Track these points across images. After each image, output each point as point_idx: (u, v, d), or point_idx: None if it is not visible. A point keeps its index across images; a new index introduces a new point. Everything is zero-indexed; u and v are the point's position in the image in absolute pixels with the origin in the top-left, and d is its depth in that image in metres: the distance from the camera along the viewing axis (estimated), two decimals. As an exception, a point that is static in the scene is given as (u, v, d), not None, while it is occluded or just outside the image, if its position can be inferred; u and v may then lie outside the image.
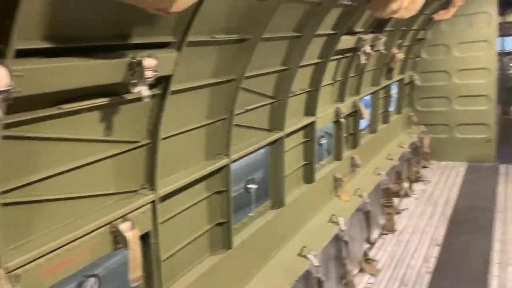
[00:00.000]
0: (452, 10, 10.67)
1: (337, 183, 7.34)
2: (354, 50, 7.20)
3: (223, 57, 4.06)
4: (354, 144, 8.36)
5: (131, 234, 3.28)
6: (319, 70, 6.21)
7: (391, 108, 11.22)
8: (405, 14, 6.31)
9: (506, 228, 7.95)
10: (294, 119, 6.03)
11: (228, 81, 4.26)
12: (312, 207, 6.51)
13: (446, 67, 12.08)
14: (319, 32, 5.46)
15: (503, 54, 16.60)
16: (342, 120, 7.34)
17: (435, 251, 7.38)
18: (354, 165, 8.13)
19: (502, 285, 6.25)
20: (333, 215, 6.47)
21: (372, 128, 9.64)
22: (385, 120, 10.44)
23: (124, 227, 3.27)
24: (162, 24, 3.14)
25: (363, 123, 9.84)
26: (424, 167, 11.96)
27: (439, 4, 10.57)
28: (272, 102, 5.46)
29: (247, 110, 4.86)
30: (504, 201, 9.26)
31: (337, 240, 6.40)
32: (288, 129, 5.66)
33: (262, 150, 5.65)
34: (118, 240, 3.26)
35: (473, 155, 11.98)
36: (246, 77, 4.49)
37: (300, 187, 6.36)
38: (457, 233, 8.00)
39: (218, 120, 4.33)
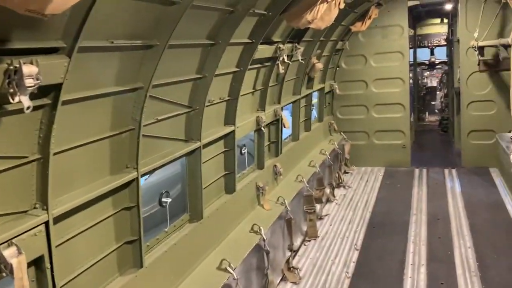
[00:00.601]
0: (367, 22, 11.22)
1: (259, 192, 7.30)
2: (273, 59, 7.25)
3: (127, 64, 3.82)
4: (277, 152, 8.40)
5: (17, 260, 2.92)
6: (237, 78, 6.14)
7: (313, 117, 11.51)
8: (320, 25, 6.47)
9: (419, 230, 8.38)
10: (213, 129, 5.90)
11: (134, 89, 4.01)
12: (233, 218, 6.39)
13: (363, 77, 12.65)
14: (234, 40, 5.38)
15: (416, 65, 17.86)
16: (263, 129, 7.33)
17: (355, 256, 7.58)
18: (276, 173, 8.16)
19: (415, 286, 6.54)
20: (255, 224, 6.41)
21: (294, 136, 9.78)
22: (307, 128, 10.65)
23: (8, 253, 2.91)
24: (49, 28, 2.85)
25: (287, 132, 10.00)
26: (345, 172, 12.39)
27: (355, 16, 11.06)
28: (188, 112, 5.27)
29: (159, 120, 4.63)
30: (418, 203, 9.80)
31: (259, 250, 6.33)
32: (205, 139, 5.50)
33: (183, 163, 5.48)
34: (1, 268, 2.89)
35: (390, 160, 12.62)
36: (156, 85, 4.27)
37: (221, 198, 6.22)
38: (375, 236, 8.30)
39: (125, 131, 4.06)
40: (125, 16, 3.52)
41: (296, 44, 7.73)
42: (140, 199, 4.23)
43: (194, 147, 5.33)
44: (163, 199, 5.17)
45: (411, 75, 14.76)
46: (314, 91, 10.87)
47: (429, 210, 9.35)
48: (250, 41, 6.00)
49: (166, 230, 5.04)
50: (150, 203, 5.39)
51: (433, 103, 18.72)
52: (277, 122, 8.31)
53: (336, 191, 10.96)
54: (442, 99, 17.65)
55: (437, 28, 17.55)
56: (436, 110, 18.48)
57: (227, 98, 6.12)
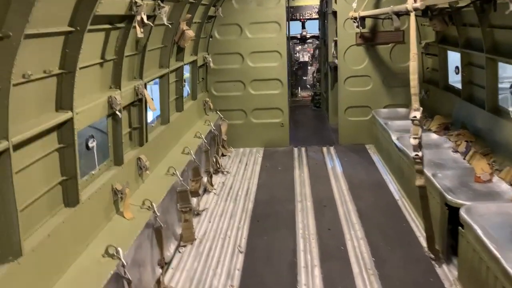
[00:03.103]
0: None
1: (117, 196, 5.56)
2: (129, 18, 5.44)
3: None
4: (141, 141, 6.69)
5: None
6: (72, 43, 4.24)
7: (185, 94, 9.93)
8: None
9: (306, 220, 7.55)
10: (34, 119, 3.97)
11: None
12: (76, 240, 4.59)
13: (239, 49, 11.41)
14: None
15: (288, 39, 17.25)
16: (119, 113, 5.53)
17: (239, 261, 6.40)
18: (141, 168, 6.47)
19: (310, 292, 5.61)
20: (110, 246, 4.71)
21: (163, 118, 8.11)
22: (179, 108, 9.05)
23: None
24: None
25: (155, 114, 8.29)
26: (223, 155, 11.17)
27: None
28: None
29: None
30: (301, 188, 9.03)
31: (117, 279, 4.67)
32: (17, 136, 3.58)
33: None
34: None
35: (269, 140, 11.76)
36: None
37: (55, 216, 4.37)
38: (261, 232, 7.23)
39: None
40: None
41: (160, 1, 6.00)
42: None
43: (-1, 149, 3.40)
44: None
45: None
46: (185, 64, 9.25)
47: (313, 195, 8.62)
48: (89, -12, 4.15)
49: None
50: None
51: (304, 78, 18.51)
52: (139, 102, 6.55)
53: (214, 178, 9.67)
54: (314, 74, 17.46)
55: (309, 0, 17.11)
56: (308, 86, 18.32)
57: (57, 72, 4.20)
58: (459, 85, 9.12)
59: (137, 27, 5.20)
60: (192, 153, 8.08)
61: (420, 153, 5.46)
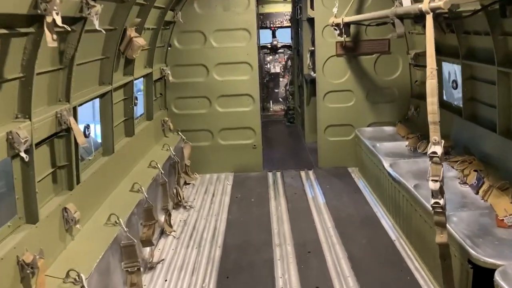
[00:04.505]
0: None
1: (25, 273, 3.90)
2: (38, 20, 3.84)
3: None
4: (70, 184, 5.05)
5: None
6: None
7: (138, 114, 8.32)
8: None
9: (288, 275, 6.05)
10: None
11: None
12: None
13: (203, 60, 9.91)
14: None
15: (259, 48, 15.87)
16: (25, 155, 3.88)
17: None
18: (68, 222, 4.82)
19: None
20: None
21: (106, 148, 6.47)
22: (129, 133, 7.42)
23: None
24: None
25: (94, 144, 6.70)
26: (186, 184, 9.59)
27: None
28: None
29: None
30: (279, 226, 7.54)
31: None
32: None
33: None
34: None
35: (240, 164, 10.26)
36: None
37: None
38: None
39: None
40: None
41: (88, -2, 4.42)
42: None
43: None
44: None
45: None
46: (136, 79, 7.65)
47: (294, 236, 7.15)
48: None
49: None
50: None
51: (276, 90, 17.16)
52: (67, 133, 4.93)
53: (175, 214, 8.07)
54: (287, 87, 16.11)
55: (280, 7, 15.82)
56: (280, 99, 16.98)
57: None
58: (456, 102, 7.94)
59: (47, 32, 3.59)
60: (144, 189, 6.46)
61: (441, 201, 4.09)
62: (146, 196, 6.43)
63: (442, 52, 8.15)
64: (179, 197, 8.47)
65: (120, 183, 6.59)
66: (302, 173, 10.09)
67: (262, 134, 10.46)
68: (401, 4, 7.60)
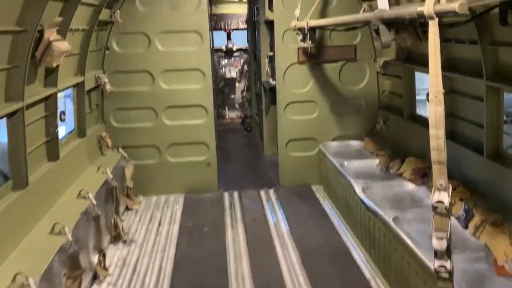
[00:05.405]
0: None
1: None
2: None
3: None
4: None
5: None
6: None
7: (66, 132, 6.95)
8: None
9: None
10: None
11: None
12: None
13: (147, 66, 8.62)
14: None
15: (212, 51, 14.68)
16: None
17: None
18: None
19: None
20: None
21: (15, 180, 5.09)
22: (52, 157, 6.05)
23: None
24: None
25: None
26: (128, 209, 8.28)
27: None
28: None
29: None
30: (236, 265, 6.41)
31: None
32: None
33: None
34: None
35: (192, 184, 9.06)
36: None
37: None
38: None
39: None
40: None
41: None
42: None
43: None
44: None
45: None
46: (61, 90, 6.29)
47: (254, 278, 6.05)
48: None
49: None
50: None
51: (232, 96, 16.04)
52: None
53: (112, 251, 6.78)
54: (243, 93, 15.04)
55: (235, 8, 14.70)
56: (237, 105, 15.88)
57: None
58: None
59: None
60: (67, 231, 5.14)
61: (448, 265, 3.13)
62: (70, 238, 5.12)
63: (415, 61, 7.38)
64: (117, 229, 7.16)
65: (36, 225, 5.23)
66: (262, 193, 9.04)
67: (218, 146, 9.32)
68: (369, 7, 6.79)
